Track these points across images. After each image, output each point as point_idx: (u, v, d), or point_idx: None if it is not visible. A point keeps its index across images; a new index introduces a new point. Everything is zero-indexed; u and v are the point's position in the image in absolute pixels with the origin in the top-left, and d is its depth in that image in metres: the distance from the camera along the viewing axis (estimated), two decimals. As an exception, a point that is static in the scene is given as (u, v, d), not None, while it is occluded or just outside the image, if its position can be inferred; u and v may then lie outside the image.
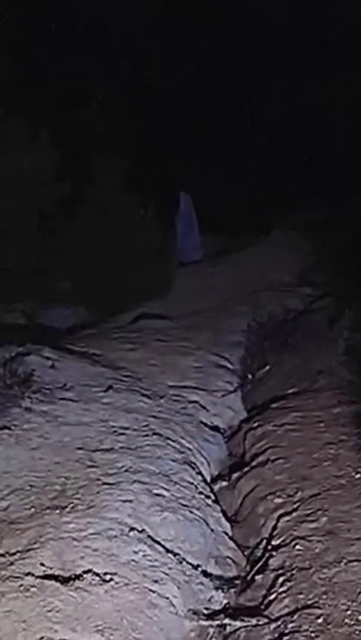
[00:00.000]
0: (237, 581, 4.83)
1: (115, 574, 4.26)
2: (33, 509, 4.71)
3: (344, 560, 4.48)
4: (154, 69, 14.02)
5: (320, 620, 4.05)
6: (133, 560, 4.43)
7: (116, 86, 13.20)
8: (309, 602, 4.24)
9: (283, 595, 4.40)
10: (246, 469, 6.02)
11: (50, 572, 4.17)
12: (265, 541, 5.07)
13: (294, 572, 4.55)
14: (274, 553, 4.84)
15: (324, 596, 4.23)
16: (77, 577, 4.16)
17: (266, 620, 4.27)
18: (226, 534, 5.24)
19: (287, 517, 5.14)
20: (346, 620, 4.00)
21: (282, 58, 14.30)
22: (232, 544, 5.16)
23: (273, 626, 4.21)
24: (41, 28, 12.62)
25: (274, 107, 14.20)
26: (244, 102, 14.57)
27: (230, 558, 5.02)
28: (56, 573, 4.16)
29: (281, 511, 5.24)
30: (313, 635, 3.97)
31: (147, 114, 13.74)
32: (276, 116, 14.08)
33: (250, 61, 14.64)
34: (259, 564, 4.83)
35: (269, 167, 13.74)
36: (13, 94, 10.79)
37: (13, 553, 4.30)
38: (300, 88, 14.23)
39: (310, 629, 4.01)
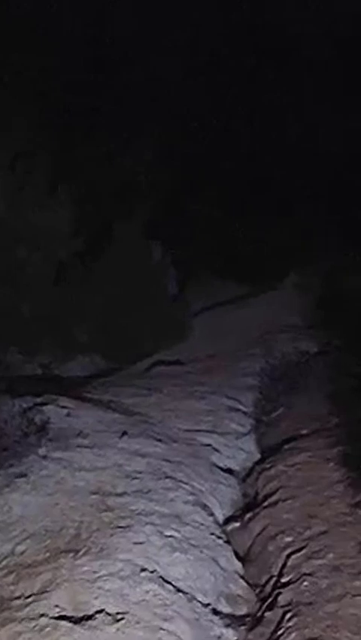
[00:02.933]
0: (247, 618, 4.96)
1: (126, 613, 4.42)
2: (48, 553, 4.88)
3: (349, 595, 4.62)
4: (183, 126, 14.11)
5: (324, 653, 4.20)
6: (144, 599, 4.58)
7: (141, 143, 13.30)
8: (314, 636, 4.37)
9: (291, 629, 4.54)
10: (257, 509, 6.15)
11: (63, 612, 4.34)
12: (274, 579, 5.20)
13: (301, 607, 4.70)
14: (282, 590, 4.99)
15: (328, 629, 4.37)
16: (90, 617, 4.33)
17: (273, 655, 4.42)
18: (237, 573, 5.37)
19: (296, 555, 5.29)
20: (349, 652, 4.14)
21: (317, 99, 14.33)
22: (242, 582, 5.30)
23: (280, 659, 4.35)
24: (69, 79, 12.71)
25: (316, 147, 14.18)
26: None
27: (241, 596, 5.16)
28: (70, 614, 4.33)
29: (290, 549, 5.39)
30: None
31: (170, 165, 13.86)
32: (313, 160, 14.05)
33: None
34: (268, 601, 4.96)
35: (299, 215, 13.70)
36: (33, 146, 10.99)
37: (29, 596, 4.47)
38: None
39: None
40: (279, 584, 5.09)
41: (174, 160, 13.41)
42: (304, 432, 7.31)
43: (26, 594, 4.49)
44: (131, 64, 13.57)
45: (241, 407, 8.06)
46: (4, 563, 4.79)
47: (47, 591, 4.50)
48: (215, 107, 14.35)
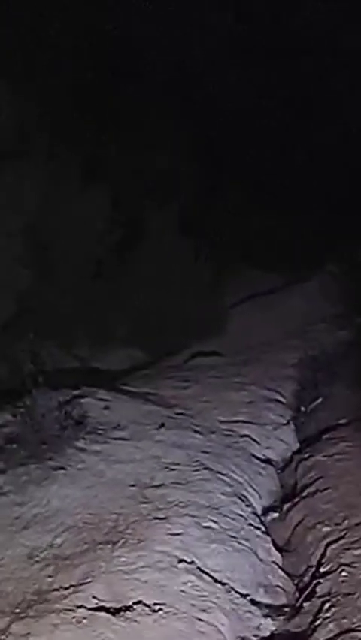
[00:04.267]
0: (286, 609, 4.95)
1: (164, 604, 4.42)
2: (86, 545, 4.90)
3: (387, 585, 4.60)
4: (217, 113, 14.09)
5: (361, 643, 4.18)
6: (182, 591, 4.59)
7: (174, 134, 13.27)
8: (353, 626, 4.36)
9: (328, 620, 4.53)
10: (296, 499, 6.16)
11: (101, 604, 4.36)
12: (313, 569, 5.19)
13: (339, 597, 4.69)
14: (321, 580, 4.98)
15: (366, 619, 4.36)
16: (128, 608, 4.34)
17: (311, 645, 4.41)
18: (276, 563, 5.37)
19: (334, 545, 5.28)
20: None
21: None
22: (281, 573, 5.29)
23: (317, 650, 4.35)
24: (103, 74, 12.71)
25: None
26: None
27: (280, 587, 5.16)
28: (107, 605, 4.34)
29: (329, 539, 5.38)
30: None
31: (203, 155, 13.84)
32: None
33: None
34: (307, 591, 4.95)
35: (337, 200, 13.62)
36: (67, 143, 11.03)
37: (67, 587, 4.50)
38: None
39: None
40: (317, 575, 5.09)
41: (206, 154, 13.42)
42: (342, 421, 7.30)
43: (64, 586, 4.51)
44: (165, 60, 13.58)
45: (279, 398, 8.06)
46: (42, 555, 4.82)
47: (84, 583, 4.52)
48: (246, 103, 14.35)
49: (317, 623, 4.59)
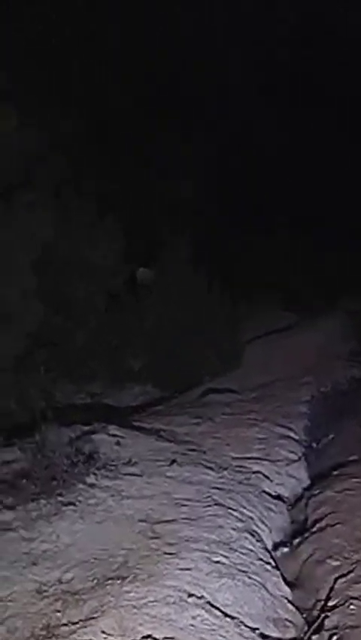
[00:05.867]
0: (295, 643, 4.96)
1: (173, 638, 4.43)
2: (95, 580, 4.92)
3: (394, 617, 4.61)
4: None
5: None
6: (191, 625, 4.59)
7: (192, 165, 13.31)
8: (360, 659, 4.37)
9: (337, 653, 4.54)
10: (306, 534, 6.17)
11: (110, 638, 4.37)
12: (321, 603, 5.20)
13: (347, 630, 4.70)
14: (329, 613, 4.98)
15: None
16: (137, 642, 4.35)
17: None
18: (285, 597, 5.37)
19: (343, 579, 5.29)
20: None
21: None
22: (290, 607, 5.29)
23: None
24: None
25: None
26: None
27: (289, 620, 5.15)
28: (117, 640, 4.36)
29: (338, 573, 5.39)
30: None
31: (220, 188, 13.92)
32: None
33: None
34: (315, 624, 4.96)
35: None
36: (80, 174, 11.11)
37: (76, 622, 4.51)
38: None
39: None
40: (326, 608, 5.09)
41: (222, 187, 13.48)
42: (352, 458, 7.33)
43: (73, 621, 4.52)
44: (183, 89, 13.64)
45: (291, 434, 8.10)
46: (51, 590, 4.84)
47: (93, 617, 4.53)
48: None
49: (326, 656, 4.59)
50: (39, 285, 9.32)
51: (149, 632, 4.46)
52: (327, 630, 4.81)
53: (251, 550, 5.64)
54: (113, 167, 12.26)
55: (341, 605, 4.99)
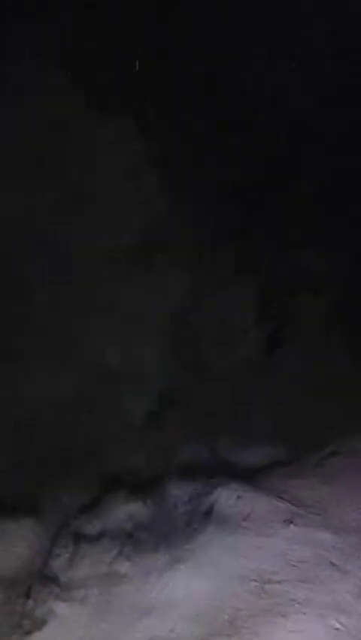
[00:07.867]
0: None
1: None
2: (201, 637, 4.93)
3: None
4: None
5: None
6: None
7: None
8: None
9: None
10: None
11: None
12: None
13: None
14: None
15: None
16: None
17: None
18: None
19: None
20: None
21: None
22: None
23: None
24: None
25: None
26: None
27: None
28: None
29: None
30: None
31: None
32: None
33: None
34: None
35: None
36: (217, 233, 11.21)
37: None
38: None
39: None
40: None
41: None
42: None
43: (175, 675, 4.55)
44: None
45: None
46: (157, 643, 4.89)
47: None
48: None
49: None
50: (174, 344, 9.44)
51: None
52: None
53: (366, 616, 5.52)
54: (254, 227, 12.29)
55: None
